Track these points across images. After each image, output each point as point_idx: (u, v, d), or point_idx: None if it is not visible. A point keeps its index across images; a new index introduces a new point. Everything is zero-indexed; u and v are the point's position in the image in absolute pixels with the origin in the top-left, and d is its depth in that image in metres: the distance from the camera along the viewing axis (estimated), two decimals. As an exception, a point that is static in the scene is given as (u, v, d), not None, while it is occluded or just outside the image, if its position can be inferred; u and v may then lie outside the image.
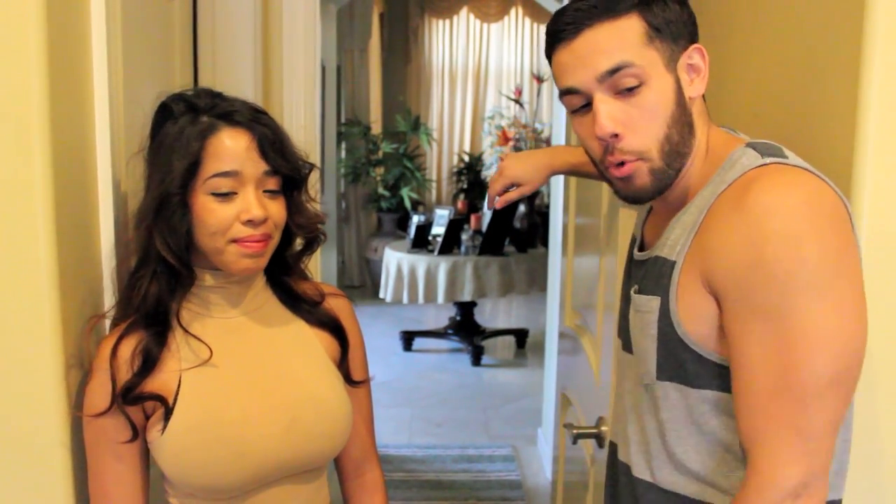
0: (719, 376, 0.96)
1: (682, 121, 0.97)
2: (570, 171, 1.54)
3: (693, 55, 0.98)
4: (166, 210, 1.03)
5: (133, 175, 1.18)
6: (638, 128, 0.96)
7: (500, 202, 1.50)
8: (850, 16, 1.04)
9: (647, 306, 1.00)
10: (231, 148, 1.03)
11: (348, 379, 1.20)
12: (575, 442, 1.67)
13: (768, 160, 0.92)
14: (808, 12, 1.19)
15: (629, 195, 1.01)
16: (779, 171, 0.91)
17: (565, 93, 0.99)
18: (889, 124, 1.02)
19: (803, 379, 0.86)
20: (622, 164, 0.97)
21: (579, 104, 0.98)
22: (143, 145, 1.11)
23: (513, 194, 1.49)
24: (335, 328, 1.19)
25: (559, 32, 0.97)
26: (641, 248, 1.12)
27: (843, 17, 1.07)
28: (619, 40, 0.94)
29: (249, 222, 1.04)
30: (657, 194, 1.00)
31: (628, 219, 1.54)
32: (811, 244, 0.86)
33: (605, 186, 1.70)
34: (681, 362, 0.98)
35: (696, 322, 0.95)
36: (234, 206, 1.04)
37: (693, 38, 0.99)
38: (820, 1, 1.15)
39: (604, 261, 1.75)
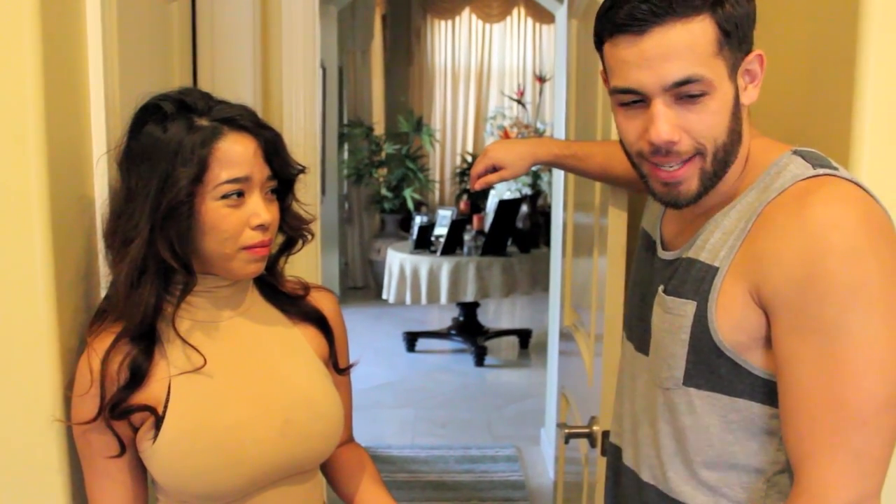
0: (752, 386, 0.94)
1: (735, 130, 0.95)
2: (553, 163, 1.53)
3: (753, 61, 0.95)
4: (174, 219, 1.00)
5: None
6: (694, 132, 0.93)
7: (479, 183, 1.49)
8: (846, 17, 1.04)
9: (680, 310, 0.98)
10: (241, 154, 1.03)
11: (336, 368, 1.21)
12: (567, 441, 1.67)
13: (820, 171, 0.90)
14: (806, 13, 1.19)
15: (671, 199, 0.98)
16: (834, 183, 0.89)
17: (621, 91, 0.94)
18: (884, 123, 1.03)
19: (860, 398, 0.84)
20: (674, 167, 0.94)
21: (631, 100, 0.94)
22: (118, 144, 1.07)
23: (493, 177, 1.48)
24: (319, 321, 1.20)
25: (623, 26, 0.90)
26: (664, 247, 1.10)
27: (840, 19, 1.08)
28: (691, 48, 0.89)
29: (260, 227, 1.04)
30: (697, 199, 0.97)
31: (618, 218, 1.53)
32: (871, 261, 0.84)
33: (598, 185, 1.70)
34: (713, 369, 0.96)
35: (735, 331, 0.93)
36: (244, 211, 1.04)
37: (752, 39, 0.95)
38: (818, 2, 1.16)
39: (597, 260, 1.74)
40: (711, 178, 0.96)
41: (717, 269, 0.95)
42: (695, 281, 0.98)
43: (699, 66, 0.89)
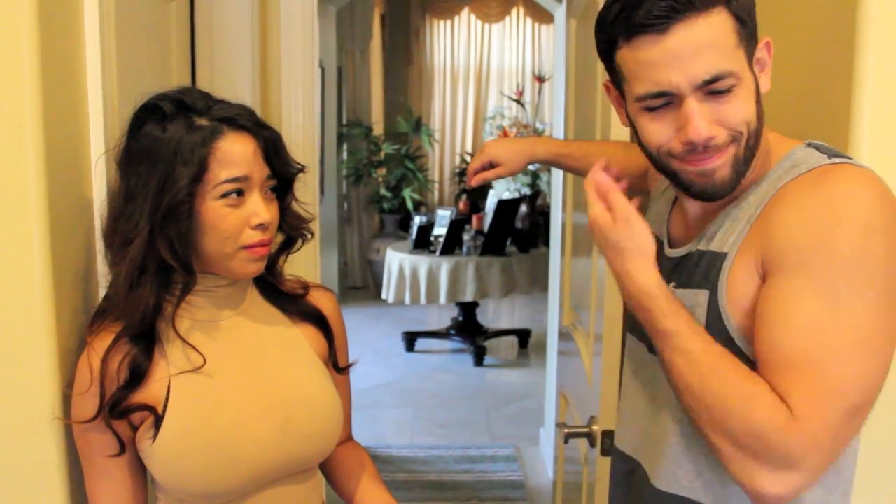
0: None
1: (762, 116, 0.94)
2: (550, 161, 1.53)
3: (762, 49, 0.95)
4: (174, 218, 1.00)
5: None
6: (729, 123, 0.91)
7: (476, 180, 1.49)
8: (845, 12, 1.05)
9: (693, 300, 0.97)
10: (240, 153, 1.03)
11: (336, 367, 1.22)
12: (566, 441, 1.67)
13: (836, 160, 0.91)
14: (804, 7, 1.19)
15: (709, 189, 0.96)
16: (851, 167, 0.90)
17: (650, 97, 0.92)
18: (882, 119, 1.03)
19: (843, 371, 0.84)
20: (707, 154, 0.93)
21: (661, 104, 0.92)
22: (118, 144, 1.06)
23: (489, 173, 1.49)
24: (319, 320, 1.20)
25: (644, 26, 0.88)
26: (671, 245, 1.09)
27: (838, 13, 1.08)
28: (715, 43, 0.88)
29: (259, 226, 1.04)
30: (732, 188, 0.95)
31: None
32: (881, 238, 0.84)
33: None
34: None
35: (745, 316, 0.93)
36: (243, 211, 1.04)
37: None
38: (817, 2, 1.16)
39: (596, 260, 1.74)
40: (742, 165, 0.95)
41: (725, 254, 0.95)
42: (704, 270, 0.98)
43: (726, 60, 0.89)
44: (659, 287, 0.95)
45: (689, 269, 1.01)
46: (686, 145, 0.92)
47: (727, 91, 0.90)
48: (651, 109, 0.94)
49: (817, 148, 0.95)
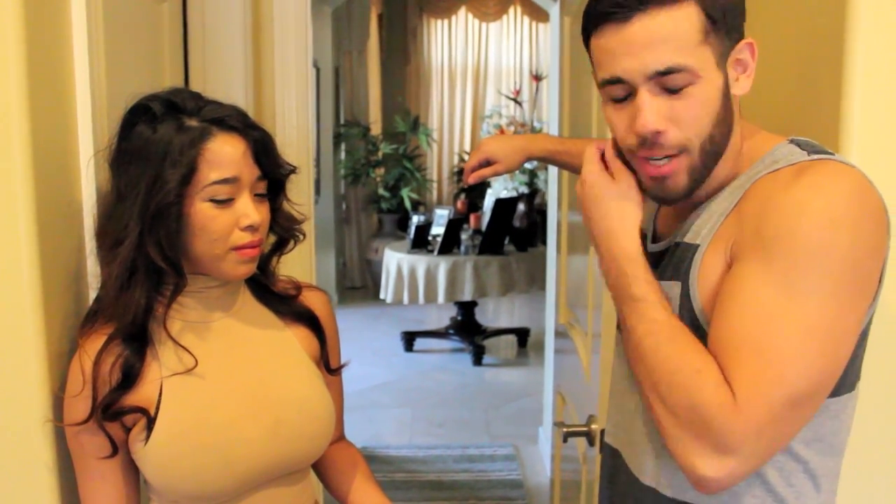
0: None
1: (726, 120, 0.93)
2: (546, 158, 1.53)
3: (743, 50, 0.94)
4: (163, 220, 1.00)
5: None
6: (682, 123, 0.91)
7: (473, 178, 1.51)
8: (835, 9, 1.04)
9: (669, 292, 0.97)
10: (230, 154, 1.03)
11: (328, 368, 1.22)
12: (565, 440, 1.66)
13: (816, 156, 0.91)
14: (795, 11, 1.19)
15: (661, 194, 0.97)
16: (831, 163, 0.89)
17: (608, 83, 0.93)
18: (873, 117, 1.03)
19: (784, 358, 0.83)
20: (660, 162, 0.93)
21: (622, 94, 0.93)
22: (109, 144, 1.06)
23: (486, 171, 1.50)
24: (311, 320, 1.20)
25: (608, 14, 0.90)
26: (655, 241, 1.09)
27: (828, 11, 1.08)
28: (674, 36, 0.88)
29: (249, 227, 1.04)
30: (688, 196, 0.96)
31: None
32: (848, 233, 0.83)
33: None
34: None
35: (714, 306, 0.92)
36: (233, 212, 1.04)
37: (743, 29, 0.94)
38: (806, 1, 1.16)
39: (592, 258, 1.74)
40: (701, 171, 0.95)
41: (697, 246, 0.96)
42: (677, 262, 0.98)
43: (683, 55, 0.88)
44: (639, 253, 0.97)
45: (665, 262, 1.01)
46: (637, 138, 0.93)
47: (682, 89, 0.90)
48: (615, 101, 0.95)
49: (799, 145, 0.94)
